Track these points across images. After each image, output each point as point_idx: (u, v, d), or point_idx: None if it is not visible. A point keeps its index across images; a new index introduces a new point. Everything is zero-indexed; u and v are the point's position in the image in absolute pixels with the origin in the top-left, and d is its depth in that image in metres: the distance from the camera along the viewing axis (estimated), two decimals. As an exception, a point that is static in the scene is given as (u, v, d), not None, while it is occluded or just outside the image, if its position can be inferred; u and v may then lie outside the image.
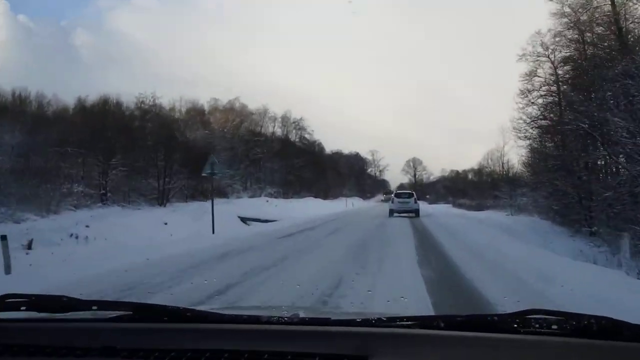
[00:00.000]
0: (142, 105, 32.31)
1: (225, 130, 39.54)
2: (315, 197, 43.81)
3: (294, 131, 51.98)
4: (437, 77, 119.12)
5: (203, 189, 32.73)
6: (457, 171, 80.00)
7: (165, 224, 22.83)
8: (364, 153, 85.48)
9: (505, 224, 21.06)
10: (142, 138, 29.15)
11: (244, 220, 27.01)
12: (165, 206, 27.80)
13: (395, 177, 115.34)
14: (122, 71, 67.71)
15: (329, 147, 66.81)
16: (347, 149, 76.61)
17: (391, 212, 24.00)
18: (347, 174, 63.01)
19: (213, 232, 15.29)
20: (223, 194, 34.73)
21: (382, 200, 64.54)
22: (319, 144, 57.57)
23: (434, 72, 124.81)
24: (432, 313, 4.21)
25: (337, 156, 66.43)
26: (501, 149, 40.82)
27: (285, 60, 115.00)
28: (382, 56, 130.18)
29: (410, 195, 25.63)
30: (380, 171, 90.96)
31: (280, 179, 42.33)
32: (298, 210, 31.65)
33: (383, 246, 11.13)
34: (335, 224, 19.07)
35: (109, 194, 26.06)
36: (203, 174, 17.41)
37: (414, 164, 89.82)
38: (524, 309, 1.11)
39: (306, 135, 53.52)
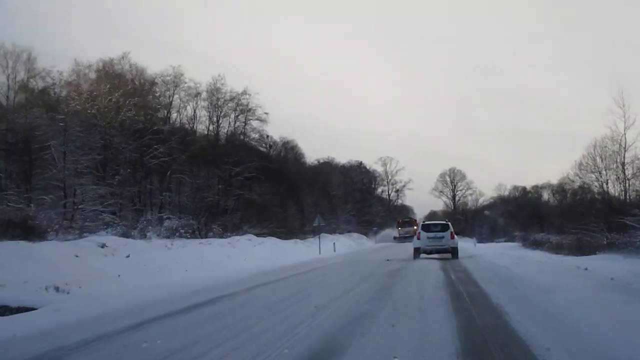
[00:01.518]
0: None
1: (92, 111, 21.56)
2: (269, 234, 25.15)
3: (232, 115, 31.43)
4: (488, 57, 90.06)
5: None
6: (524, 188, 57.11)
7: None
8: (372, 164, 61.45)
9: None
10: None
11: None
12: None
13: (423, 200, 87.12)
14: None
15: (316, 155, 47.31)
16: (345, 158, 54.21)
17: (417, 252, 18.70)
18: (342, 196, 43.09)
19: None
20: (38, 232, 16.74)
21: (395, 238, 41.77)
22: (293, 147, 38.20)
23: (483, 48, 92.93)
24: None
25: (326, 167, 44.38)
26: (620, 138, 23.50)
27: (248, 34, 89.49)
28: (399, 32, 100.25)
29: (444, 228, 18.85)
30: (396, 191, 63.34)
31: (199, 204, 23.87)
32: (180, 265, 15.40)
33: None
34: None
35: None
36: None
37: (452, 179, 63.37)
38: None
39: (253, 122, 32.29)
